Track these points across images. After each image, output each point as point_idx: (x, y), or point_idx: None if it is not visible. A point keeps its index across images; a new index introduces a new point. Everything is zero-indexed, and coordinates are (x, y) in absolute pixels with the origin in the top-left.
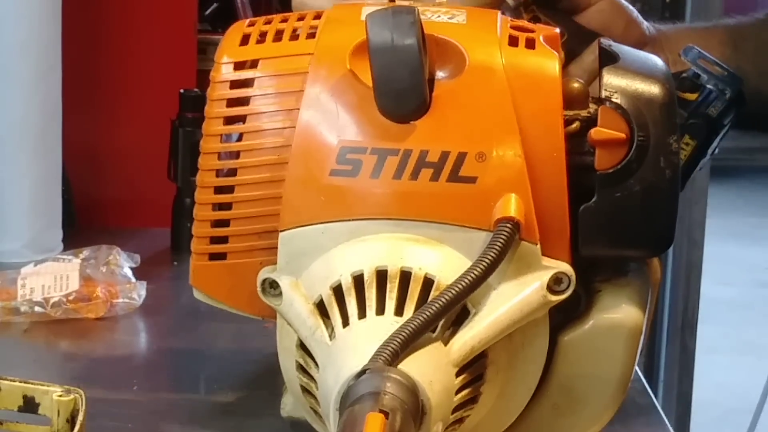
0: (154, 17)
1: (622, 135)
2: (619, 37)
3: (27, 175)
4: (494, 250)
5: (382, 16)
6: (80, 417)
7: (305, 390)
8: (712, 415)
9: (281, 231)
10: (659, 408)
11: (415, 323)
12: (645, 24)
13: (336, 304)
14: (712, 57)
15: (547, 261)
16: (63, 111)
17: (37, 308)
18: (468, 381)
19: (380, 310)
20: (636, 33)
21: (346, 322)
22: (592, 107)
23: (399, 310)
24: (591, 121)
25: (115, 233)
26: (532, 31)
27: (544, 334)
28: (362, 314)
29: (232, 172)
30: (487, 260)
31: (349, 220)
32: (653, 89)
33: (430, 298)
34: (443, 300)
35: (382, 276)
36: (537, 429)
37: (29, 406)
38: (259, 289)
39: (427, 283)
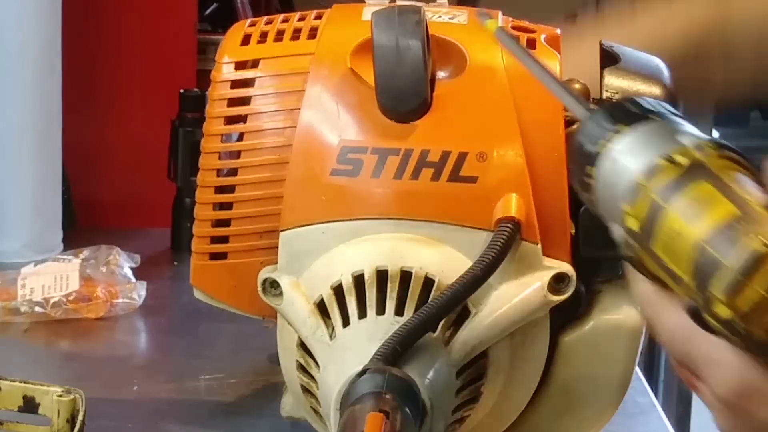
0: (154, 17)
1: None
2: None
3: (27, 176)
4: (495, 250)
5: (387, 16)
6: (80, 417)
7: (306, 390)
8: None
9: (282, 231)
10: (659, 408)
11: (416, 323)
12: None
13: (336, 304)
14: None
15: (547, 261)
16: (63, 111)
17: (37, 308)
18: (468, 381)
19: (381, 309)
20: None
21: (346, 322)
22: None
23: (399, 310)
24: None
25: (115, 233)
26: (533, 32)
27: (545, 334)
28: (363, 314)
29: (233, 172)
30: (487, 260)
31: (349, 220)
32: (654, 90)
33: (430, 298)
34: (444, 300)
35: (382, 276)
36: (537, 429)
37: (29, 406)
38: (259, 288)
39: (428, 283)
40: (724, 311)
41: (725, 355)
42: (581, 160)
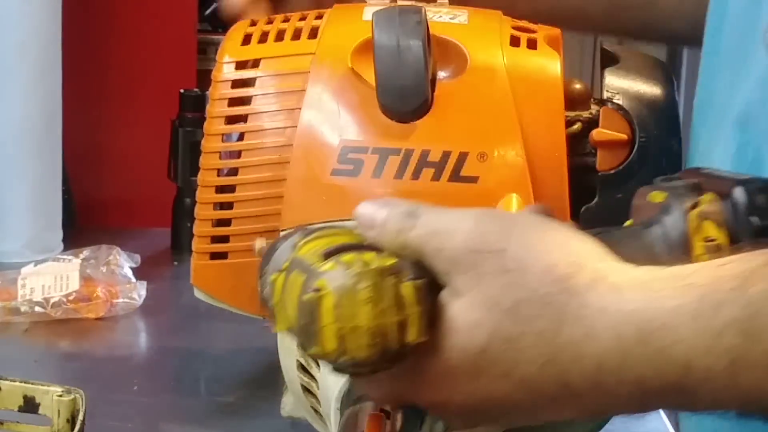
0: (154, 17)
1: (624, 136)
2: None
3: (27, 175)
4: None
5: (388, 15)
6: (80, 417)
7: (306, 389)
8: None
9: (282, 230)
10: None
11: None
12: None
13: None
14: None
15: None
16: (63, 111)
17: (37, 308)
18: None
19: None
20: None
21: None
22: (594, 108)
23: None
24: (593, 122)
25: (115, 233)
26: (534, 32)
27: None
28: None
29: (234, 172)
30: None
31: (350, 220)
32: (655, 90)
33: None
34: None
35: None
36: (537, 428)
37: (29, 406)
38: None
39: None
40: (331, 358)
41: (413, 384)
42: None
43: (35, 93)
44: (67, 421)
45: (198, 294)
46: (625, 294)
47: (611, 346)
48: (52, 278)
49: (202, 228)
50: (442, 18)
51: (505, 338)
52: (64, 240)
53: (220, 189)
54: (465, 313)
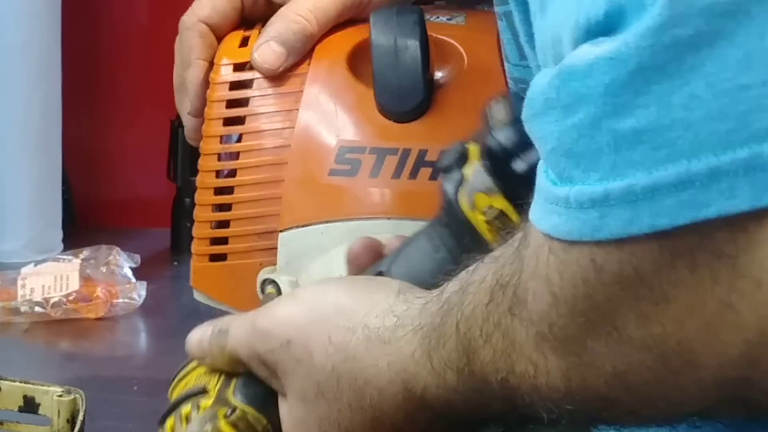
0: (154, 17)
1: None
2: None
3: (27, 175)
4: None
5: (386, 15)
6: (80, 417)
7: None
8: None
9: (281, 231)
10: None
11: None
12: None
13: None
14: None
15: None
16: (63, 111)
17: (37, 308)
18: None
19: None
20: None
21: None
22: None
23: None
24: None
25: (115, 233)
26: None
27: None
28: None
29: (232, 173)
30: None
31: (348, 220)
32: None
33: None
34: None
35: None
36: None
37: (29, 406)
38: (258, 289)
39: None
40: None
41: None
42: None
43: (35, 93)
44: (67, 421)
45: (197, 296)
46: (386, 347)
47: (399, 400)
48: (52, 278)
49: (201, 230)
50: (439, 19)
51: (330, 420)
52: (64, 240)
53: (219, 191)
54: (291, 412)
